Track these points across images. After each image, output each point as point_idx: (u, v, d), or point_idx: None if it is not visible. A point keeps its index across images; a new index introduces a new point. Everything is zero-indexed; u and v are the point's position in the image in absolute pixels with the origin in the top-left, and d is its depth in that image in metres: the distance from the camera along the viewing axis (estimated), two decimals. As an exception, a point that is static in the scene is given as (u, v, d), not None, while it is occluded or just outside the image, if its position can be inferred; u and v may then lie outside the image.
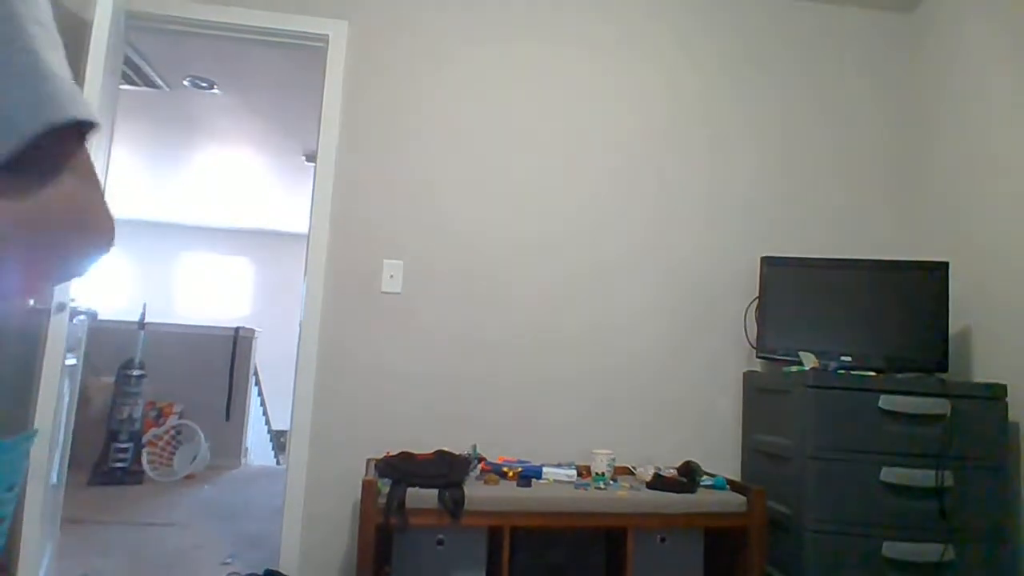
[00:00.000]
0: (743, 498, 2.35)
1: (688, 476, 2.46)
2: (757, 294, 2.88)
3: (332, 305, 2.74)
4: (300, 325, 2.73)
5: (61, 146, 0.56)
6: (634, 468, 2.64)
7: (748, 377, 2.89)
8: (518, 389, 2.81)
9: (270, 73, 4.13)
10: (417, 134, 2.87)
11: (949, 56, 2.99)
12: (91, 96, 2.19)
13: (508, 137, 2.92)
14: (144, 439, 4.69)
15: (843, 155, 3.13)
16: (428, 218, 2.84)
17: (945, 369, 2.59)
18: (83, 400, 4.48)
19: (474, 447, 2.66)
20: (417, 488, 2.19)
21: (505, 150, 2.91)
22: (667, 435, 2.87)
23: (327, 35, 2.85)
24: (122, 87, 4.21)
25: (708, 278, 2.97)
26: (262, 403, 6.56)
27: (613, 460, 2.53)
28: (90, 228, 0.58)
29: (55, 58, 0.56)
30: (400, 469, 2.25)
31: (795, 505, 2.40)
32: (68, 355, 2.27)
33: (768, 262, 2.81)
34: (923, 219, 3.07)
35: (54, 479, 2.38)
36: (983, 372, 2.67)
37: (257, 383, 6.00)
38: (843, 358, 2.63)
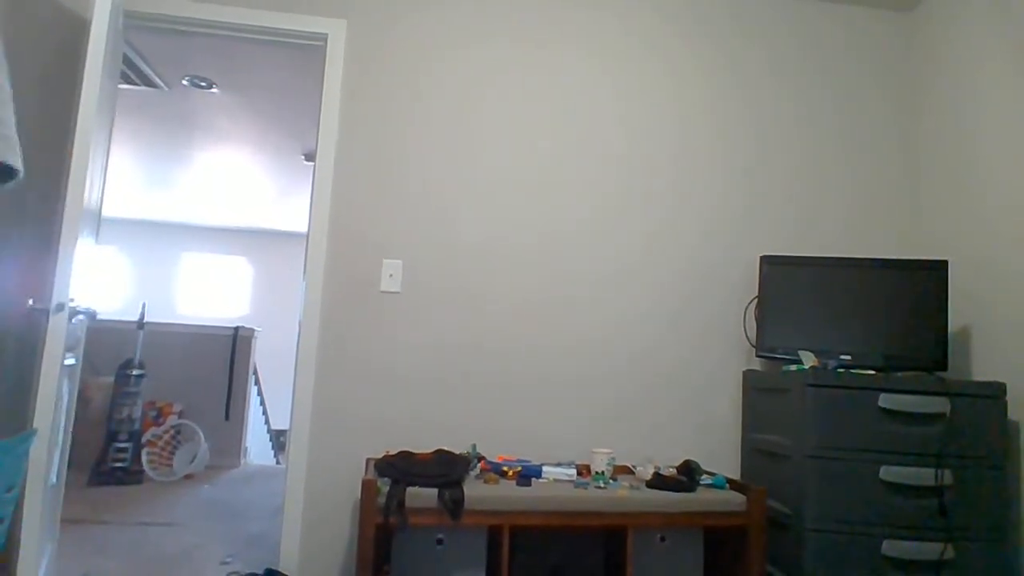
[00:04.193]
0: (743, 497, 2.35)
1: (688, 475, 2.46)
2: (757, 293, 2.88)
3: (331, 304, 2.74)
4: (299, 324, 2.73)
5: None
6: (634, 467, 2.64)
7: (748, 376, 2.89)
8: (517, 388, 2.81)
9: (269, 72, 4.13)
10: (417, 133, 2.87)
11: (949, 55, 2.99)
12: (89, 96, 2.19)
13: (509, 136, 2.92)
14: (143, 439, 4.68)
15: (843, 154, 3.13)
16: (428, 217, 2.84)
17: (944, 368, 2.59)
18: (82, 400, 4.48)
19: (473, 446, 2.66)
20: (417, 487, 2.19)
21: (506, 149, 2.91)
22: (667, 434, 2.87)
23: (326, 34, 2.85)
24: (121, 86, 4.22)
25: (708, 277, 2.97)
26: (261, 402, 6.56)
27: (613, 459, 2.53)
28: None
29: None
30: (400, 468, 2.24)
31: (795, 504, 2.40)
32: (67, 355, 2.27)
33: (768, 261, 2.81)
34: (923, 218, 3.07)
35: (53, 479, 2.37)
36: (982, 371, 2.67)
37: (256, 382, 5.99)
38: (843, 357, 2.63)
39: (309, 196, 2.82)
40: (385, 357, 2.75)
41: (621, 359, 2.88)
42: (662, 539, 2.47)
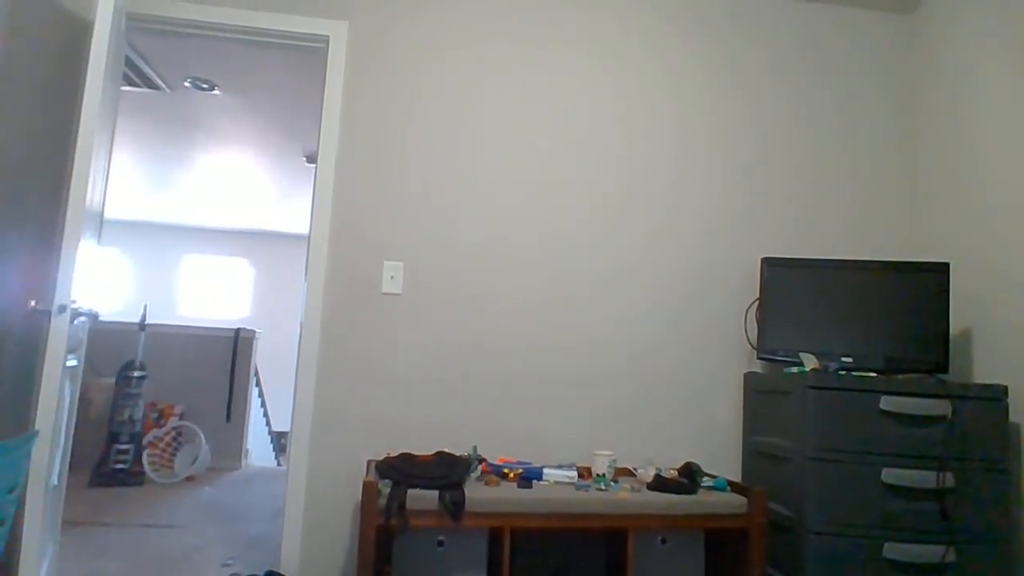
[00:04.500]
0: (744, 499, 2.35)
1: (689, 477, 2.45)
2: (758, 295, 2.88)
3: (332, 306, 2.74)
4: (300, 326, 2.73)
5: None
6: (635, 469, 2.64)
7: (749, 378, 2.89)
8: (519, 390, 2.81)
9: (271, 74, 4.14)
10: (418, 135, 2.87)
11: (949, 57, 2.99)
12: (91, 97, 2.19)
13: (509, 136, 2.92)
14: (145, 440, 4.69)
15: (844, 156, 3.13)
16: (429, 219, 2.84)
17: (946, 370, 2.59)
18: (84, 401, 4.48)
19: (474, 448, 2.65)
20: (418, 489, 2.19)
21: (506, 151, 2.91)
22: (668, 436, 2.87)
23: (327, 36, 2.85)
24: (123, 88, 4.23)
25: (709, 279, 2.97)
26: (263, 404, 6.56)
27: (614, 461, 2.53)
28: None
29: None
30: (400, 470, 2.25)
31: (796, 506, 2.40)
32: (69, 356, 2.27)
33: (769, 263, 2.81)
34: (924, 220, 3.07)
35: (55, 481, 2.37)
36: (984, 373, 2.67)
37: (258, 384, 6.00)
38: (844, 359, 2.63)
39: (310, 198, 2.83)
40: (386, 359, 2.75)
41: (621, 360, 2.88)
42: (663, 541, 2.47)
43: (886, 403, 2.38)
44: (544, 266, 2.88)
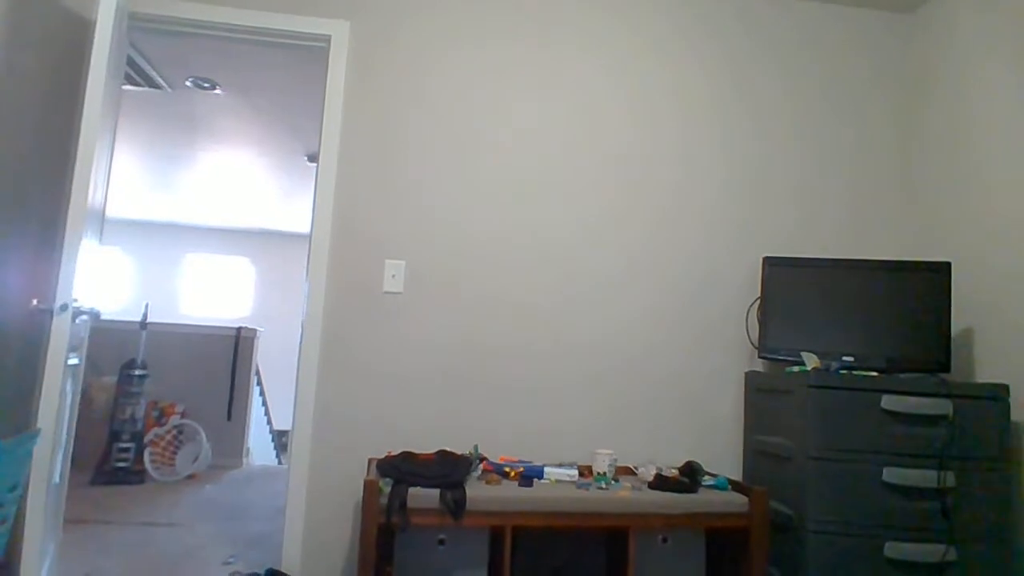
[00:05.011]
0: (745, 498, 2.35)
1: (690, 476, 2.45)
2: (759, 294, 2.88)
3: (334, 305, 2.75)
4: (302, 325, 2.74)
5: None
6: (636, 468, 2.64)
7: (750, 377, 2.88)
8: (520, 388, 2.81)
9: (272, 73, 4.14)
10: (419, 134, 2.87)
11: (950, 57, 2.98)
12: (93, 97, 2.19)
13: (512, 137, 2.92)
14: (146, 439, 4.69)
15: (845, 155, 3.12)
16: (430, 218, 2.84)
17: (947, 369, 2.59)
18: (85, 400, 4.48)
19: (475, 447, 2.66)
20: (419, 488, 2.19)
21: (509, 150, 2.91)
22: (669, 435, 2.87)
23: (329, 35, 2.85)
24: (124, 87, 4.23)
25: (710, 279, 2.97)
26: (264, 403, 6.57)
27: (615, 460, 2.53)
28: None
29: None
30: (402, 469, 2.25)
31: (797, 505, 2.40)
32: (70, 355, 2.27)
33: (770, 262, 2.81)
34: (925, 219, 3.06)
35: (56, 479, 2.38)
36: (985, 372, 2.67)
37: (259, 383, 6.00)
38: (845, 358, 2.63)
39: (312, 197, 2.83)
40: (387, 357, 2.75)
41: (623, 359, 2.88)
42: (664, 540, 2.47)
43: (887, 402, 2.38)
44: (546, 265, 2.88)
